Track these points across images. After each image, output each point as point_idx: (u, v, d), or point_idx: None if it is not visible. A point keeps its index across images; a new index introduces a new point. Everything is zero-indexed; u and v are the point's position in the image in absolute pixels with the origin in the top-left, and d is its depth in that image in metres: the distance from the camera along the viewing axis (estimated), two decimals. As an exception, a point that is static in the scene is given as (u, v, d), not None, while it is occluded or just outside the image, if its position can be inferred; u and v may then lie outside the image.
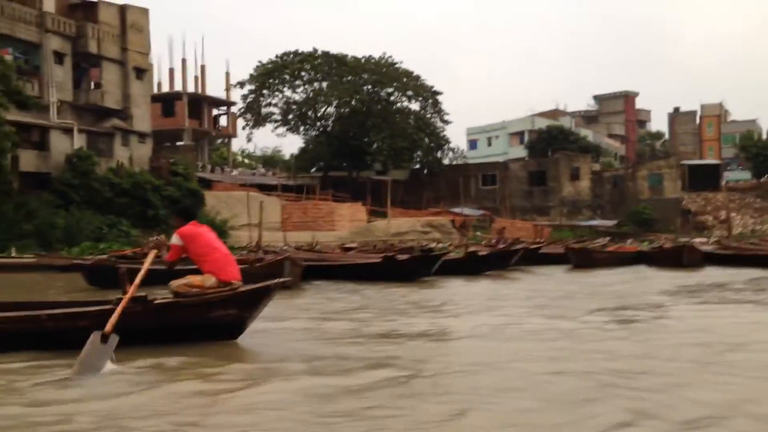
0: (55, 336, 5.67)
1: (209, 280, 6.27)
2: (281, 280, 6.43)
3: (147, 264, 6.20)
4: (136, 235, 34.37)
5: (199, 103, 58.77)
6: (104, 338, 5.39)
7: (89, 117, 37.03)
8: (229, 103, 60.66)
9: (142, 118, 39.79)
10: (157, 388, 4.62)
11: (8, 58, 30.65)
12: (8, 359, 5.48)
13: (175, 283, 6.21)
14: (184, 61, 59.43)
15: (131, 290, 5.84)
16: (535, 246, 18.25)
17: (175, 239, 6.54)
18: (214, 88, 78.62)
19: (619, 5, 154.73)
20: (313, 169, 57.26)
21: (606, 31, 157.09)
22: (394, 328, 7.53)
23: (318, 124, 54.92)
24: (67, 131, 35.37)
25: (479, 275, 14.33)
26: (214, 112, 62.10)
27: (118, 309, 5.66)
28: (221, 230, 38.48)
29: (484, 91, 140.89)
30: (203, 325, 5.88)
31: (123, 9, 38.48)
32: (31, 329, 5.65)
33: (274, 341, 6.48)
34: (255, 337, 6.47)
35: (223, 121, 62.77)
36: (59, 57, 35.36)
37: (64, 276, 17.27)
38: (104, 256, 18.97)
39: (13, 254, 23.10)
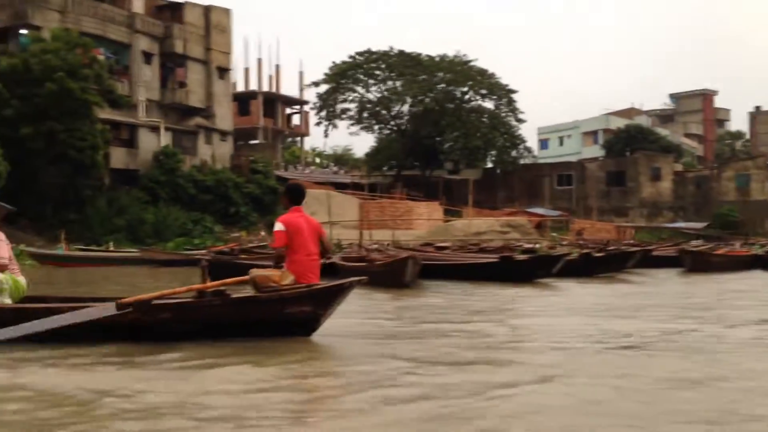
0: (136, 328, 5.81)
1: (288, 278, 6.24)
2: (357, 279, 6.21)
3: (238, 278, 6.24)
4: (219, 232, 35.02)
5: (274, 102, 59.51)
6: (120, 307, 5.66)
7: (174, 115, 37.88)
8: (302, 102, 61.26)
9: (224, 117, 40.49)
10: (232, 381, 4.53)
11: (101, 57, 31.56)
12: (89, 350, 5.54)
13: (256, 271, 6.21)
14: (259, 60, 60.28)
15: (213, 284, 5.93)
16: (646, 248, 17.61)
17: (279, 226, 6.48)
18: (288, 88, 79.66)
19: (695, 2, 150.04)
20: (385, 168, 57.29)
21: (678, 27, 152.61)
22: (518, 327, 7.17)
23: (392, 122, 54.89)
24: (154, 129, 36.26)
25: (592, 277, 13.88)
26: (288, 111, 62.86)
27: (172, 290, 5.98)
28: (300, 228, 38.90)
29: (550, 92, 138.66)
30: (278, 321, 5.94)
31: (207, 10, 39.23)
32: (115, 321, 5.77)
33: (354, 340, 6.40)
34: (337, 333, 6.45)
35: (296, 119, 63.50)
36: (147, 57, 36.27)
37: (168, 271, 17.58)
38: (203, 251, 19.20)
39: (111, 248, 23.72)
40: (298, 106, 62.25)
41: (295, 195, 6.74)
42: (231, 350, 5.53)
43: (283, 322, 5.91)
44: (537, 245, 19.31)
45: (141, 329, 5.71)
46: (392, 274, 11.07)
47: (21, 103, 27.77)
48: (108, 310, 5.74)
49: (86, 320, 5.67)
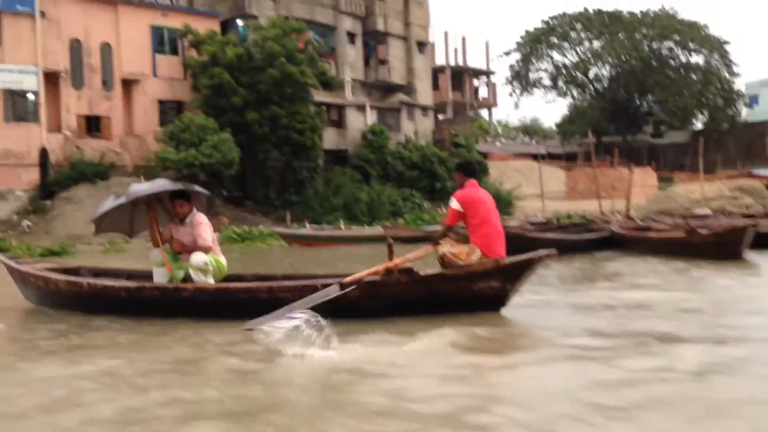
0: (329, 305, 5.74)
1: (475, 253, 6.17)
2: (545, 252, 5.97)
3: (420, 252, 6.25)
4: (427, 208, 34.90)
5: (461, 75, 58.61)
6: (342, 287, 5.73)
7: (377, 93, 38.14)
8: (489, 73, 59.90)
9: (425, 92, 40.24)
10: (432, 356, 4.54)
11: (313, 41, 32.18)
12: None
13: (444, 248, 6.16)
14: (446, 33, 59.72)
15: (399, 261, 5.94)
16: None
17: (454, 203, 6.37)
18: (474, 60, 78.50)
19: None
20: (578, 136, 54.72)
21: None
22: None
23: (590, 86, 52.13)
24: (360, 108, 36.70)
25: None
26: (475, 83, 61.77)
27: (367, 271, 5.89)
28: (507, 201, 37.84)
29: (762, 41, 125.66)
30: (466, 297, 5.95)
31: (405, -16, 39.03)
32: (287, 298, 5.82)
33: (545, 315, 6.17)
34: (528, 310, 6.31)
35: (483, 91, 62.29)
36: (351, 37, 36.71)
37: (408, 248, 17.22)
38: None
39: (342, 227, 24.11)
40: (485, 78, 60.99)
41: (469, 170, 6.63)
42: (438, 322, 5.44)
43: (471, 298, 5.91)
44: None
45: (332, 307, 5.61)
46: (722, 247, 9.81)
47: (246, 90, 28.98)
48: (332, 290, 5.78)
49: (317, 303, 5.63)
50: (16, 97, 26.91)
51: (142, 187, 6.96)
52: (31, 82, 27.11)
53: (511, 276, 5.96)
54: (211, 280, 6.64)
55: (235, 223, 28.48)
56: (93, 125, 29.09)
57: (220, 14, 32.34)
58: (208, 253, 6.65)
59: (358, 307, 5.82)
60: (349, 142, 36.02)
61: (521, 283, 6.11)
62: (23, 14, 26.82)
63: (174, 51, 31.16)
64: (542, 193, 31.65)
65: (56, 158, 27.48)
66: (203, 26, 30.82)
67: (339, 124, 35.77)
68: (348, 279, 5.84)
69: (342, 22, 36.10)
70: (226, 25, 32.19)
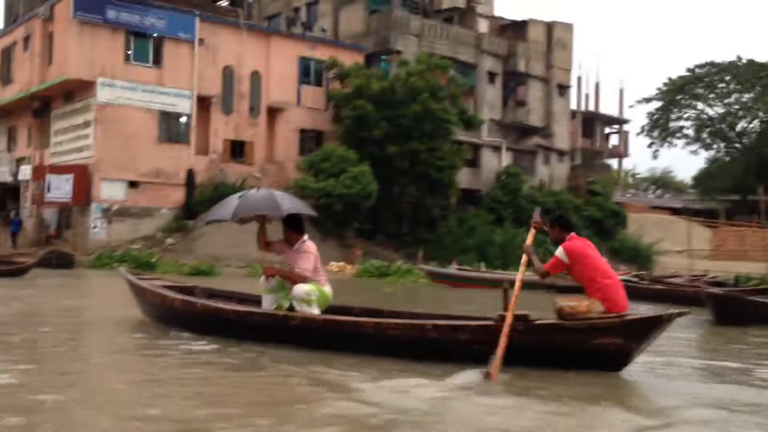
0: (436, 346, 5.75)
1: (597, 306, 5.79)
2: (677, 311, 5.55)
3: (520, 276, 6.00)
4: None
5: (592, 121, 56.87)
6: (488, 376, 5.29)
7: (513, 135, 37.30)
8: (622, 121, 57.77)
9: (562, 136, 39.05)
10: (539, 411, 4.31)
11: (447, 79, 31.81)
12: (394, 364, 5.63)
13: (563, 301, 5.82)
14: (578, 78, 58.18)
15: (510, 308, 5.65)
16: None
17: (560, 253, 6.06)
18: (607, 106, 76.36)
19: None
20: (719, 191, 51.48)
21: None
22: None
23: (736, 140, 49.13)
24: (496, 149, 35.95)
25: None
26: (606, 130, 59.77)
27: (502, 344, 5.42)
28: (646, 256, 35.79)
29: None
30: (584, 352, 5.57)
31: (550, 26, 38.23)
32: (416, 337, 5.77)
33: (670, 380, 5.67)
34: (645, 372, 5.86)
35: (613, 139, 60.12)
36: (491, 76, 36.19)
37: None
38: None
39: (483, 269, 23.23)
40: (617, 126, 58.87)
41: (567, 223, 6.39)
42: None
43: (589, 353, 5.55)
44: None
45: (440, 349, 5.61)
46: None
47: (388, 123, 28.89)
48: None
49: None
50: (170, 119, 27.95)
51: (258, 204, 6.89)
52: (185, 106, 28.12)
53: (636, 333, 5.56)
54: (315, 310, 6.60)
55: (367, 256, 28.22)
56: (237, 150, 29.79)
57: (365, 48, 32.64)
58: (310, 282, 6.62)
59: (469, 351, 5.60)
60: (483, 182, 35.26)
61: (647, 343, 5.71)
62: (183, 40, 27.97)
63: (318, 82, 31.63)
64: (690, 249, 29.61)
65: (201, 180, 28.23)
66: (348, 59, 31.17)
67: (473, 163, 35.10)
68: (493, 372, 5.45)
69: (483, 61, 35.66)
70: (369, 60, 32.43)
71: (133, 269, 20.34)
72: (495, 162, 35.78)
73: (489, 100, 36.00)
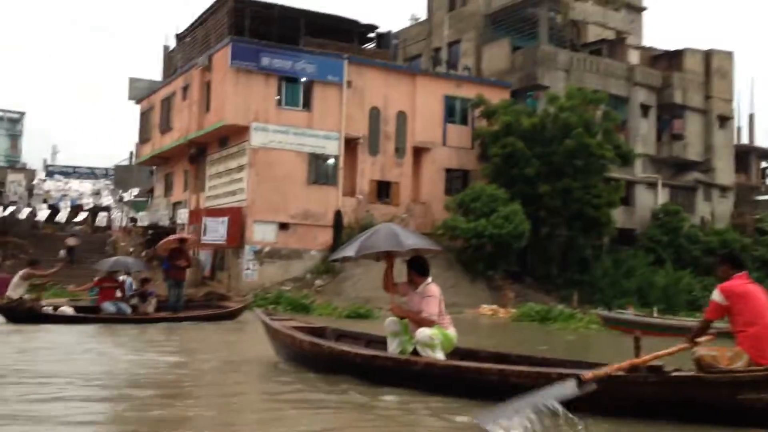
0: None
1: (740, 359, 5.21)
2: None
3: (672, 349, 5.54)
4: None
5: (747, 154, 52.84)
6: (580, 384, 5.11)
7: (668, 170, 35.02)
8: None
9: (724, 171, 36.29)
10: None
11: (598, 113, 30.27)
12: None
13: (702, 350, 5.29)
14: (731, 110, 54.40)
15: (648, 358, 5.27)
16: None
17: (716, 295, 5.52)
18: (763, 138, 71.41)
19: None
20: None
21: None
22: None
23: None
24: (651, 185, 33.80)
25: None
26: (762, 164, 55.38)
27: (611, 367, 5.31)
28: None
29: None
30: (727, 408, 4.97)
31: (708, 54, 35.94)
32: (542, 387, 5.24)
33: None
34: None
35: (772, 174, 55.52)
36: (644, 109, 34.29)
37: None
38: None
39: (655, 314, 21.35)
40: (776, 159, 54.37)
41: (736, 261, 5.75)
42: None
43: (733, 410, 5.03)
44: None
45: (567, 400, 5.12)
46: None
47: (538, 161, 27.75)
48: (568, 388, 5.14)
49: (549, 401, 5.00)
50: (319, 161, 28.19)
51: (380, 241, 6.93)
52: (333, 147, 28.30)
53: None
54: (440, 354, 6.54)
55: (517, 299, 26.95)
56: (383, 191, 29.59)
57: (510, 85, 31.81)
58: (433, 326, 6.56)
59: (595, 403, 5.14)
60: (637, 220, 33.14)
61: None
62: (332, 83, 28.28)
63: (464, 121, 31.06)
64: None
65: (348, 221, 28.14)
66: (494, 97, 30.42)
67: (627, 201, 33.06)
68: (589, 375, 5.23)
69: (636, 93, 33.83)
70: (513, 96, 31.52)
71: (289, 312, 20.34)
72: (650, 199, 33.59)
73: (642, 135, 34.02)
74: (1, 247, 30.72)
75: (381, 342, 7.36)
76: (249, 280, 26.59)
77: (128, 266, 16.11)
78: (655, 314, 21.32)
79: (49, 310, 13.93)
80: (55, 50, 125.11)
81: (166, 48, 36.63)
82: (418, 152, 30.16)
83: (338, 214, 28.10)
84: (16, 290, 13.91)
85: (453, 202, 27.90)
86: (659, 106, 34.64)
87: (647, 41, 38.30)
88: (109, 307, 14.47)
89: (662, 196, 33.88)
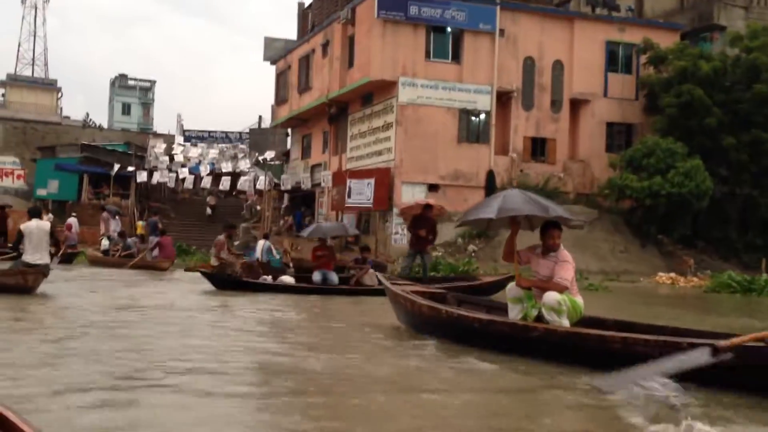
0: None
1: None
2: None
3: None
4: None
5: None
6: (715, 352, 4.59)
7: None
8: None
9: None
10: None
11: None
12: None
13: None
14: None
15: None
16: None
17: None
18: None
19: None
20: None
21: None
22: None
23: None
24: None
25: None
26: None
27: (750, 335, 4.75)
28: None
29: None
30: None
31: None
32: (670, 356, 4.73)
33: None
34: None
35: None
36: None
37: None
38: None
39: None
40: None
41: None
42: None
43: None
44: None
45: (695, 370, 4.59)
46: None
47: (721, 110, 24.51)
48: (701, 356, 4.58)
49: (680, 370, 4.58)
50: (469, 117, 26.21)
51: (523, 205, 6.51)
52: (484, 102, 26.22)
53: None
54: (566, 321, 6.13)
55: (696, 267, 24.19)
56: (538, 148, 27.30)
57: (682, 26, 28.39)
58: (563, 293, 6.15)
59: (729, 377, 4.63)
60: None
61: None
62: (483, 33, 26.09)
63: (627, 69, 28.05)
64: None
65: (501, 181, 26.08)
66: (663, 40, 27.20)
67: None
68: (724, 343, 4.62)
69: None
70: (685, 39, 28.10)
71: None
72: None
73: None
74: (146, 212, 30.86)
75: (503, 309, 6.99)
76: (398, 245, 25.17)
77: (346, 231, 17.07)
78: None
79: (267, 279, 13.42)
80: (180, 20, 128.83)
81: (301, 5, 35.42)
82: (576, 105, 27.54)
83: (490, 174, 26.11)
84: (220, 255, 13.50)
85: (620, 159, 25.22)
86: None
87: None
88: (316, 276, 13.57)
89: None
